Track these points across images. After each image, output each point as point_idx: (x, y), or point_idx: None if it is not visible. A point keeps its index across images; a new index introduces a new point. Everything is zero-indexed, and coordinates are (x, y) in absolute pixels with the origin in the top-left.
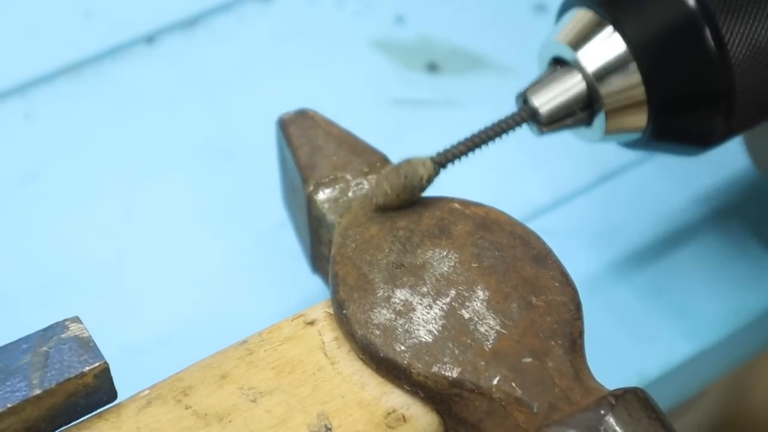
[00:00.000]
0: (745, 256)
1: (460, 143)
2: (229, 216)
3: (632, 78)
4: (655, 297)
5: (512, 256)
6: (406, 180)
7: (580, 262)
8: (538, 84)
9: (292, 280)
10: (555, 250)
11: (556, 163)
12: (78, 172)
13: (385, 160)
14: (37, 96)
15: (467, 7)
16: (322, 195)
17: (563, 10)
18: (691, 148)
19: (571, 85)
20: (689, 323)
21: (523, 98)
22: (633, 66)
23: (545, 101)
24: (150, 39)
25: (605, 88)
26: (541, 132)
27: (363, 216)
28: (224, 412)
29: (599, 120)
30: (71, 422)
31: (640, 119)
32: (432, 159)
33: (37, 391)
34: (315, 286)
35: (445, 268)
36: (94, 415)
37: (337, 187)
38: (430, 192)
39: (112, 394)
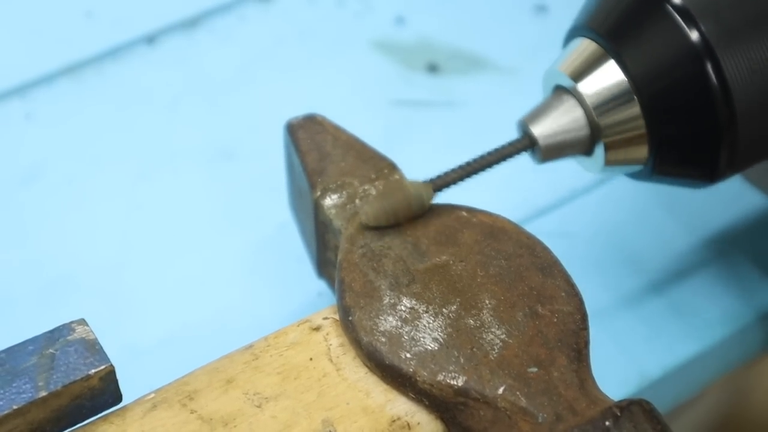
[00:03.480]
0: (745, 256)
1: (457, 168)
2: (231, 217)
3: (632, 111)
4: (655, 298)
5: (518, 265)
6: (405, 202)
7: (579, 264)
8: (539, 112)
9: (296, 283)
10: (555, 251)
11: (557, 163)
12: (79, 173)
13: (393, 167)
14: (37, 96)
15: (467, 7)
16: (330, 201)
17: (569, 38)
18: (694, 182)
19: (571, 117)
20: (689, 324)
21: (523, 126)
22: (633, 99)
23: (545, 132)
24: (150, 39)
25: (605, 120)
26: (541, 161)
27: None
28: (229, 416)
29: (599, 151)
30: (76, 424)
31: (640, 152)
32: (432, 182)
33: (43, 393)
34: (319, 289)
35: (452, 277)
36: (99, 417)
37: (344, 193)
38: (436, 198)
39: (118, 397)
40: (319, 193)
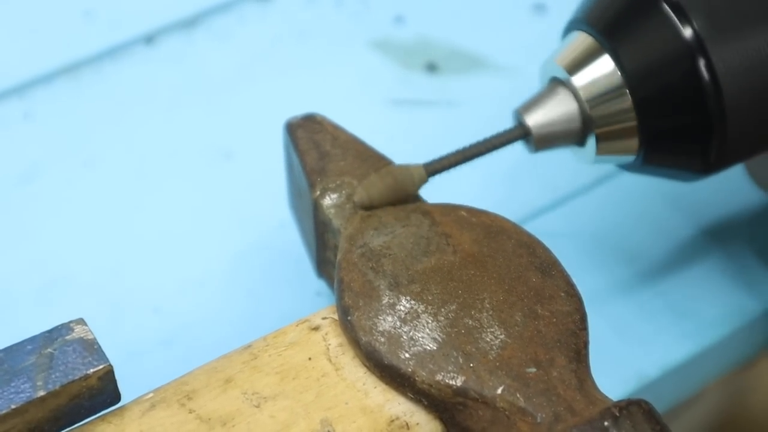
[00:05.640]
0: (743, 256)
1: (452, 154)
2: (230, 216)
3: (624, 104)
4: (654, 297)
5: (518, 265)
6: (397, 185)
7: (578, 263)
8: (534, 103)
9: (296, 283)
10: (554, 251)
11: (555, 163)
12: (77, 173)
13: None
14: (36, 96)
15: (467, 7)
16: (329, 200)
17: (567, 30)
18: (684, 175)
19: (565, 108)
20: (688, 324)
21: (518, 116)
22: (626, 93)
23: (539, 122)
24: (149, 39)
25: (597, 112)
26: (534, 150)
27: (370, 222)
28: (228, 416)
29: (591, 142)
30: (75, 424)
31: (631, 144)
32: (424, 166)
33: (41, 393)
34: (317, 289)
35: (451, 277)
36: (98, 417)
37: (343, 192)
38: (435, 198)
39: (116, 397)
40: (318, 193)
